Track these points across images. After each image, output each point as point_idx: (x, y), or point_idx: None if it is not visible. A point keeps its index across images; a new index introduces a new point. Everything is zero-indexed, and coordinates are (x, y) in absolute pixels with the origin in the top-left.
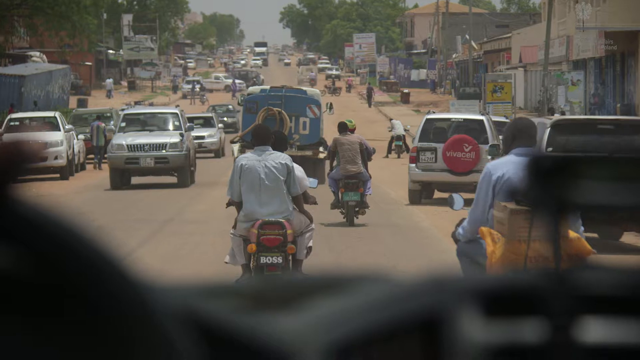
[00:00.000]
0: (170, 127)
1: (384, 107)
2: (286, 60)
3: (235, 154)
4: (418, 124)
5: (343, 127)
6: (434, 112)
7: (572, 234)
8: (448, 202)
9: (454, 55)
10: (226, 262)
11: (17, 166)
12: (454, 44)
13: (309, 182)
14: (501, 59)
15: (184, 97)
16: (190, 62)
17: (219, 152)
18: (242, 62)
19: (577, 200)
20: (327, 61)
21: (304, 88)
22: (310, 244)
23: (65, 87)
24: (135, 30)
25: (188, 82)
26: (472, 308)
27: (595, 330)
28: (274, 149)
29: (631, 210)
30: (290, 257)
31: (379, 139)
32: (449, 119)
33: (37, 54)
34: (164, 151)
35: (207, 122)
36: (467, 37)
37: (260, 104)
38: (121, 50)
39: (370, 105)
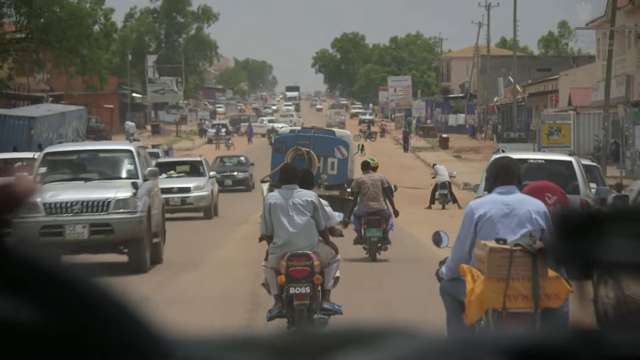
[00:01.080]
0: (123, 173)
1: (421, 152)
2: (318, 106)
3: (265, 193)
4: (462, 171)
5: (366, 166)
6: (503, 151)
7: (551, 273)
8: (433, 240)
9: (495, 99)
10: (262, 284)
11: (9, 210)
12: (495, 88)
13: (337, 215)
14: (547, 102)
15: (210, 141)
16: (220, 107)
17: (210, 211)
18: (274, 107)
19: (606, 258)
20: (360, 106)
21: (333, 129)
22: (338, 274)
23: (80, 129)
24: (161, 72)
25: (214, 126)
26: None
27: None
28: (300, 187)
29: None
30: (319, 288)
31: (420, 187)
32: (525, 160)
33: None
34: (104, 214)
35: (194, 170)
36: (511, 79)
37: (289, 144)
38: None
39: (406, 150)
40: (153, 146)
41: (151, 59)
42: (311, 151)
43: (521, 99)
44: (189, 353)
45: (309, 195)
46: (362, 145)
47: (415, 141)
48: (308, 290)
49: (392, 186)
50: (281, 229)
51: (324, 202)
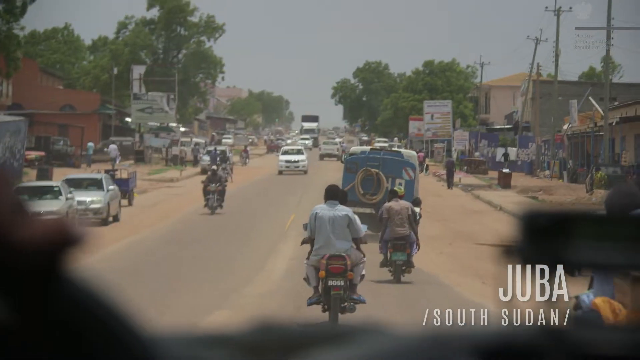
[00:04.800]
0: None
1: (479, 191)
2: (337, 140)
3: None
4: None
5: (394, 194)
6: None
7: None
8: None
9: (564, 127)
10: (304, 279)
11: (67, 246)
12: (553, 118)
13: (363, 227)
14: (638, 129)
15: (204, 171)
16: (228, 138)
17: None
18: (289, 141)
19: (571, 258)
20: (385, 140)
21: (402, 151)
22: (364, 272)
23: (16, 149)
24: (150, 88)
25: (208, 153)
26: None
27: None
28: (340, 204)
29: (624, 269)
30: (348, 282)
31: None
32: None
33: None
34: None
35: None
36: (592, 101)
37: (360, 165)
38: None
39: (450, 187)
40: (106, 171)
41: (137, 70)
42: (380, 172)
43: (598, 128)
44: (166, 350)
45: (345, 210)
46: (427, 166)
47: (463, 177)
48: (342, 283)
49: (418, 214)
50: (322, 235)
51: (356, 216)
